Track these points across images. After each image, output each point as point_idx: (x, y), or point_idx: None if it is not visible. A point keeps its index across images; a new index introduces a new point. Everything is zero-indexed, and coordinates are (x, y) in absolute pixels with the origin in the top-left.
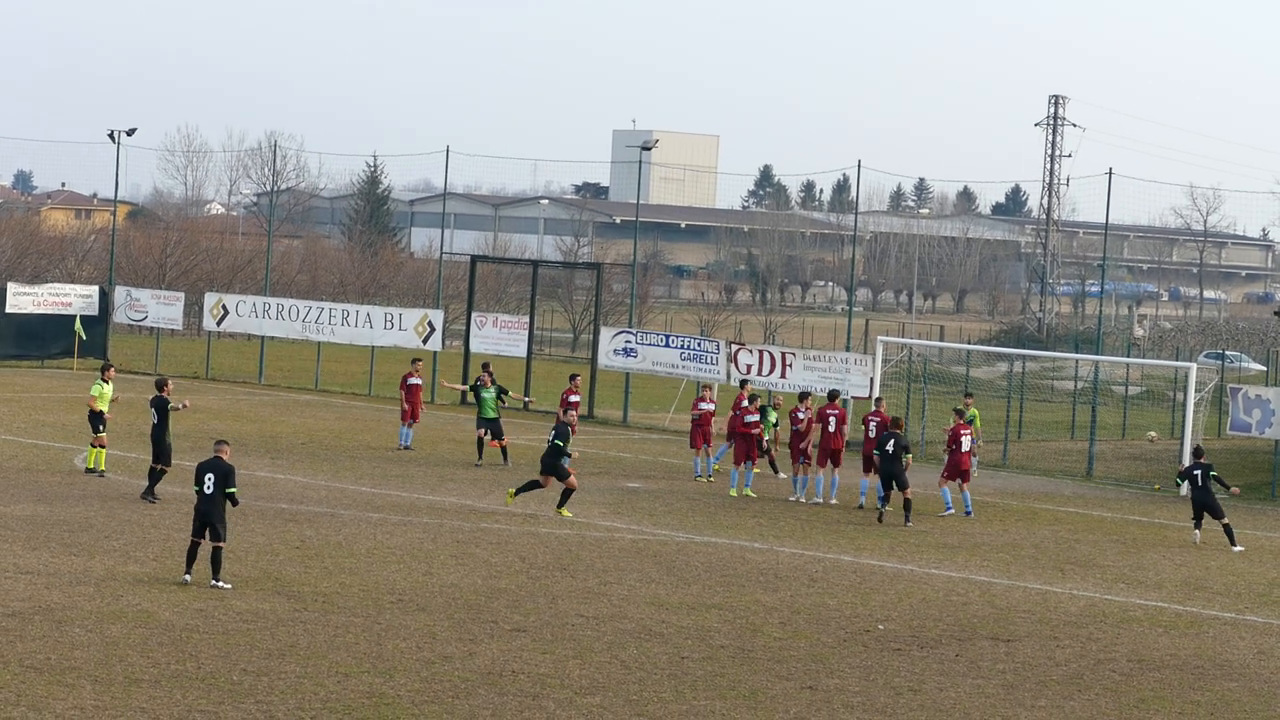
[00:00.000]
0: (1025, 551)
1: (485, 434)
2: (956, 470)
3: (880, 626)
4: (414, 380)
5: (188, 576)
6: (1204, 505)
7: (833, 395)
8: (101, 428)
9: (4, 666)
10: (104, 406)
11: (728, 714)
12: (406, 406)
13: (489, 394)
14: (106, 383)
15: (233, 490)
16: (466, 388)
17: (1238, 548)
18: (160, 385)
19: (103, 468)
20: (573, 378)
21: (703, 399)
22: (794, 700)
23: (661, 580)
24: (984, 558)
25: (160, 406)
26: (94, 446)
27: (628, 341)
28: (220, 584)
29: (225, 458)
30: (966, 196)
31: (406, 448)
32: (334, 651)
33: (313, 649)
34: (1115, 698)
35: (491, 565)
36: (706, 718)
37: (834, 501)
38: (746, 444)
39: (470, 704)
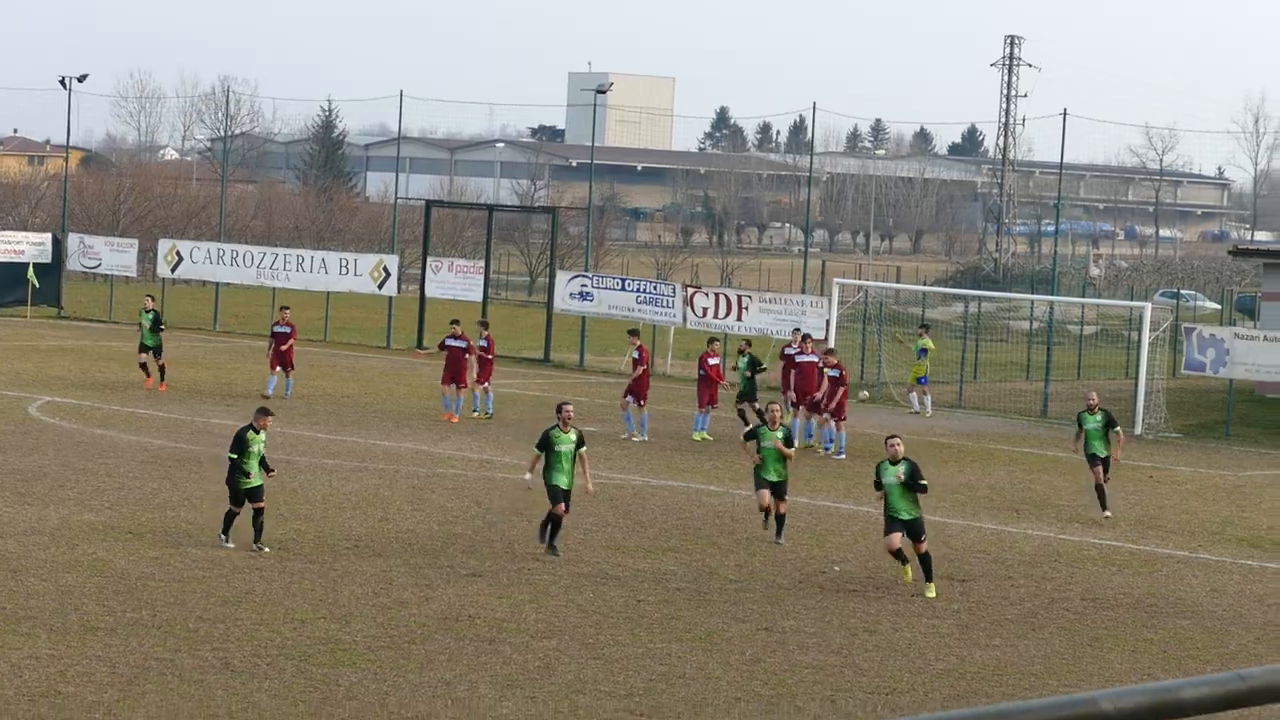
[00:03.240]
0: (981, 492)
1: None
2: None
3: (836, 568)
4: (452, 342)
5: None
6: None
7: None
8: None
9: None
10: None
11: (684, 656)
12: (445, 372)
13: None
14: None
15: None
16: None
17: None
18: (559, 409)
19: None
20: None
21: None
22: (750, 641)
23: (618, 524)
24: (939, 498)
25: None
26: None
27: (584, 285)
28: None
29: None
30: (923, 137)
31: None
32: (290, 598)
33: (269, 596)
34: (1069, 636)
35: (447, 510)
36: (663, 660)
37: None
38: (709, 388)
39: (426, 649)
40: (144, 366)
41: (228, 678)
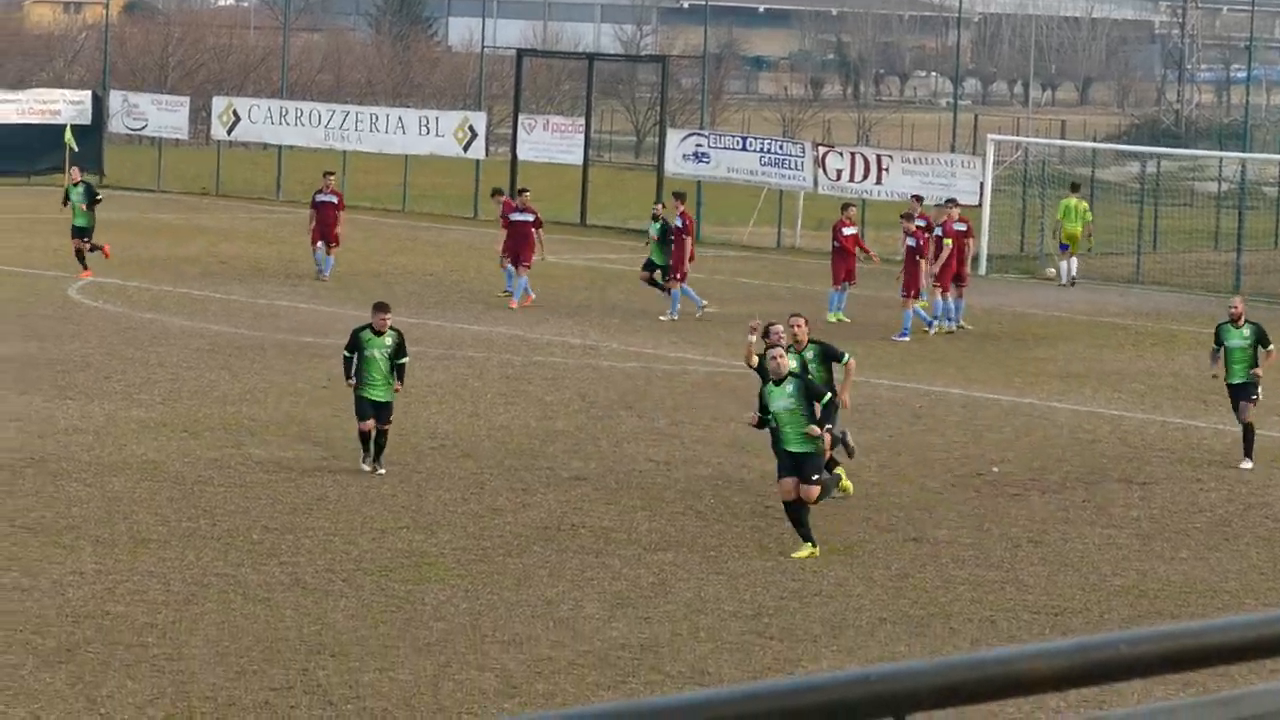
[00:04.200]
0: (1163, 380)
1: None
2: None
3: (995, 469)
4: (518, 216)
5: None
6: None
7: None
8: None
9: None
10: None
11: (820, 570)
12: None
13: None
14: None
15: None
16: None
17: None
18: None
19: None
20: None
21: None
22: (896, 554)
23: (741, 418)
24: (1115, 388)
25: None
26: None
27: (699, 145)
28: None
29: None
30: None
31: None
32: (368, 505)
33: (344, 502)
34: (1268, 548)
35: (546, 404)
36: (795, 575)
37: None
38: (845, 261)
39: (524, 562)
40: (80, 256)
41: (298, 595)
